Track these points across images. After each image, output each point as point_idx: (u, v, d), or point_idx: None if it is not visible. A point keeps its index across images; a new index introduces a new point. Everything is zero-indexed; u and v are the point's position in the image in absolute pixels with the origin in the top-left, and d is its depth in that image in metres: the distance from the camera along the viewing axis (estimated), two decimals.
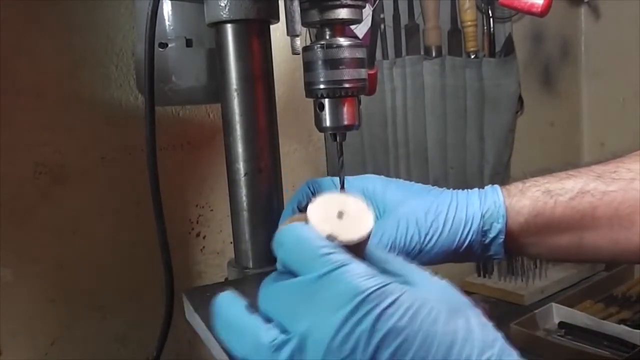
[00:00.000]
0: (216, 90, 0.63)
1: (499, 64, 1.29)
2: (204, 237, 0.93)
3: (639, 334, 1.04)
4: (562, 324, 1.14)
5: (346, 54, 0.54)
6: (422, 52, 1.21)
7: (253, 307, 0.35)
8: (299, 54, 0.54)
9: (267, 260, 0.63)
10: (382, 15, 1.14)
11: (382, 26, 1.14)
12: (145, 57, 0.61)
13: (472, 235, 0.53)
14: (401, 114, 1.18)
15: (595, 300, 1.24)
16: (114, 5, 0.80)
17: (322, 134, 0.99)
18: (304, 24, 0.55)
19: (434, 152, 1.23)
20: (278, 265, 0.36)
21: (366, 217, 0.35)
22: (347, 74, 0.54)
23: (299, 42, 0.53)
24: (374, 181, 0.59)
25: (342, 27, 0.57)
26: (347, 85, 0.55)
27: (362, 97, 0.59)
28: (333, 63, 0.54)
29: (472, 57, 1.27)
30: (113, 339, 0.85)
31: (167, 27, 0.71)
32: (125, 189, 0.83)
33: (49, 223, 0.78)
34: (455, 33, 1.26)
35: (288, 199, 0.63)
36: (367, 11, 0.66)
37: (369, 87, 0.59)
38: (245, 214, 0.62)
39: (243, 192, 0.62)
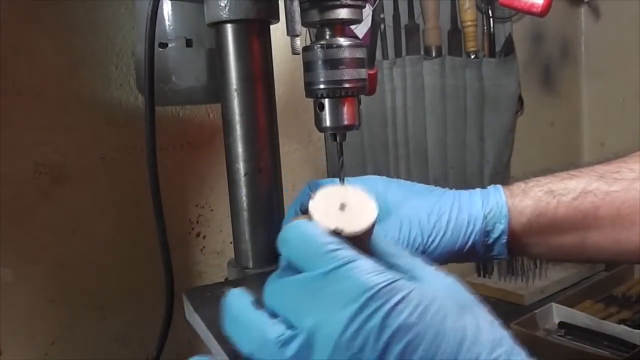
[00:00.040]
0: (216, 90, 0.63)
1: (499, 64, 1.29)
2: (204, 237, 0.93)
3: (639, 334, 1.04)
4: (562, 324, 1.14)
5: (346, 54, 0.54)
6: (422, 52, 1.21)
7: (260, 303, 0.35)
8: (299, 54, 0.54)
9: (267, 260, 0.63)
10: (382, 15, 1.14)
11: (382, 26, 1.14)
12: (145, 57, 0.61)
13: (474, 236, 0.53)
14: (401, 114, 1.18)
15: (595, 300, 1.24)
16: (114, 5, 0.80)
17: (322, 134, 0.98)
18: (304, 24, 0.55)
19: (434, 152, 1.23)
20: (282, 262, 0.36)
21: (369, 207, 0.35)
22: (347, 74, 0.54)
23: (299, 42, 0.53)
24: (375, 182, 0.59)
25: (342, 27, 0.57)
26: (347, 85, 0.55)
27: (362, 97, 0.59)
28: (333, 63, 0.54)
29: (472, 57, 1.27)
30: (113, 339, 0.85)
31: (167, 27, 0.71)
32: (125, 189, 0.83)
33: (49, 223, 0.78)
34: (455, 33, 1.26)
35: (290, 201, 0.63)
36: (367, 11, 0.66)
37: (369, 87, 0.59)
38: (245, 214, 0.62)
39: (243, 192, 0.62)
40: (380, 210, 0.57)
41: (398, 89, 1.17)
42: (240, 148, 0.61)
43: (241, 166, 0.61)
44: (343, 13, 0.55)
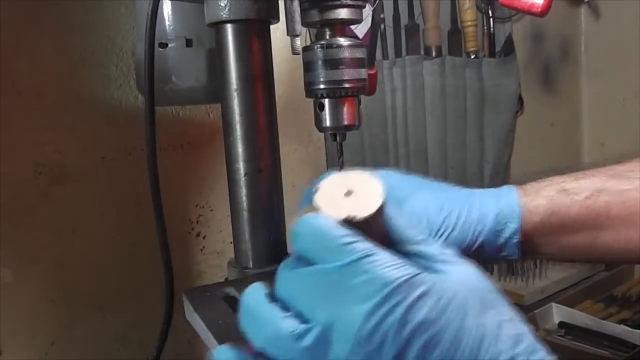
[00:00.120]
0: (216, 90, 0.63)
1: (499, 64, 1.29)
2: (204, 237, 0.93)
3: (639, 334, 1.04)
4: (562, 324, 1.14)
5: (346, 54, 0.54)
6: (422, 52, 1.21)
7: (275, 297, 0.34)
8: (299, 54, 0.54)
9: (267, 260, 0.63)
10: (382, 15, 1.14)
11: (382, 26, 1.14)
12: (145, 57, 0.61)
13: (484, 235, 0.52)
14: (401, 114, 1.18)
15: (595, 300, 1.24)
16: (114, 5, 0.80)
17: (322, 134, 0.98)
18: (304, 24, 0.55)
19: (434, 152, 1.23)
20: (293, 254, 0.35)
21: (375, 188, 0.34)
22: (347, 74, 0.54)
23: (299, 42, 0.53)
24: (387, 176, 0.56)
25: (342, 27, 0.57)
26: (347, 85, 0.55)
27: (362, 97, 0.59)
28: (333, 63, 0.54)
29: (472, 57, 1.27)
30: (113, 339, 0.85)
31: (167, 27, 0.71)
32: (125, 189, 0.83)
33: (49, 223, 0.78)
34: (455, 33, 1.26)
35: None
36: (367, 11, 0.66)
37: (369, 87, 0.59)
38: (245, 214, 0.62)
39: (243, 192, 0.62)
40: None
41: (398, 89, 1.17)
42: (240, 148, 0.61)
43: (241, 166, 0.61)
44: (343, 13, 0.55)
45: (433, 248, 0.34)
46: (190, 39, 0.72)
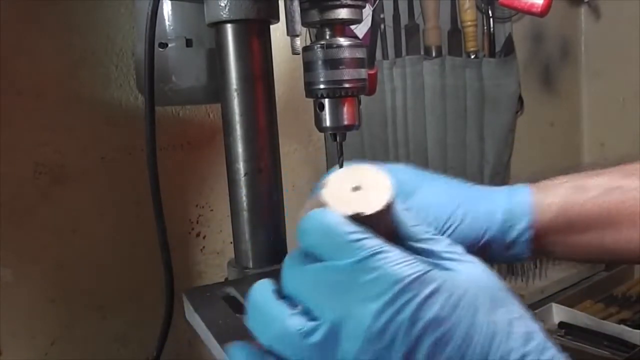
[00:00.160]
0: (216, 90, 0.63)
1: (499, 64, 1.29)
2: (204, 237, 0.93)
3: (639, 334, 1.04)
4: (562, 324, 1.14)
5: (346, 54, 0.54)
6: (422, 52, 1.21)
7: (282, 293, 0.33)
8: (299, 54, 0.54)
9: (267, 260, 0.63)
10: (382, 15, 1.14)
11: (382, 26, 1.14)
12: (145, 57, 0.62)
13: (491, 232, 0.50)
14: (401, 114, 1.18)
15: (595, 300, 1.24)
16: (114, 5, 0.80)
17: (322, 134, 0.98)
18: (304, 24, 0.55)
19: (434, 152, 1.23)
20: (299, 249, 0.34)
21: (383, 183, 0.33)
22: (347, 74, 0.54)
23: (299, 42, 0.53)
24: (397, 171, 0.54)
25: (342, 27, 0.57)
26: (347, 85, 0.55)
27: (362, 97, 0.58)
28: (333, 63, 0.54)
29: (472, 57, 1.27)
30: (113, 339, 0.85)
31: (167, 27, 0.71)
32: (125, 189, 0.83)
33: (49, 223, 0.78)
34: (455, 33, 1.26)
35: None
36: (367, 11, 0.66)
37: (369, 87, 0.59)
38: (245, 214, 0.62)
39: (243, 192, 0.62)
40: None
41: (398, 89, 1.17)
42: (240, 148, 0.61)
43: (241, 166, 0.61)
44: (343, 13, 0.55)
45: (440, 245, 0.34)
46: (190, 39, 0.72)
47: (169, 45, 0.71)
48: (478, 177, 1.30)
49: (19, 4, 0.73)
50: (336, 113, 0.56)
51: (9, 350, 0.76)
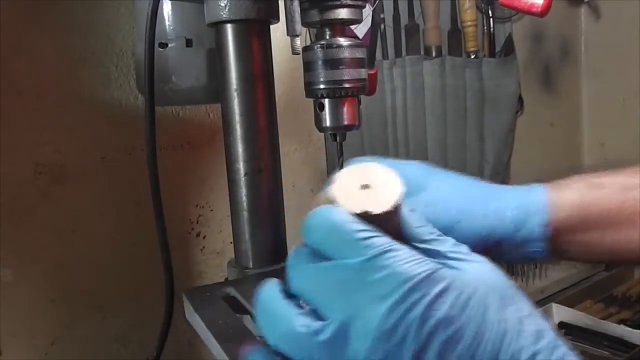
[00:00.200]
0: (216, 90, 0.63)
1: (499, 64, 1.29)
2: (204, 237, 0.93)
3: (639, 334, 1.04)
4: (562, 324, 1.14)
5: (346, 54, 0.54)
6: (422, 52, 1.21)
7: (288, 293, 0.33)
8: (299, 54, 0.54)
9: (267, 260, 0.63)
10: (382, 15, 1.14)
11: (382, 26, 1.14)
12: (145, 57, 0.62)
13: (501, 229, 0.49)
14: (401, 114, 1.18)
15: (595, 300, 1.24)
16: (114, 5, 0.80)
17: (322, 134, 0.98)
18: (304, 24, 0.55)
19: (434, 152, 1.23)
20: (305, 247, 0.34)
21: (393, 183, 0.33)
22: (347, 74, 0.54)
23: (299, 42, 0.53)
24: (405, 167, 0.53)
25: (342, 27, 0.57)
26: (347, 85, 0.55)
27: (362, 97, 0.59)
28: (333, 63, 0.54)
29: (472, 57, 1.27)
30: (113, 339, 0.85)
31: (167, 27, 0.71)
32: (125, 189, 0.83)
33: (49, 223, 0.78)
34: (455, 33, 1.26)
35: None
36: (367, 11, 0.66)
37: (369, 87, 0.59)
38: (245, 214, 0.62)
39: (243, 192, 0.62)
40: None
41: (398, 89, 1.17)
42: (240, 148, 0.61)
43: (241, 166, 0.61)
44: (343, 13, 0.55)
45: (445, 246, 0.34)
46: (190, 39, 0.72)
47: (169, 45, 0.71)
48: (478, 177, 1.30)
49: (19, 4, 0.73)
50: (336, 113, 0.56)
51: (9, 350, 0.76)
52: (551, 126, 1.53)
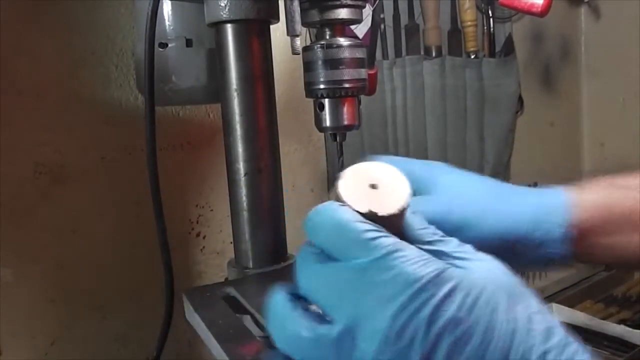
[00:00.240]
0: (216, 90, 0.63)
1: (499, 64, 1.29)
2: (204, 237, 0.93)
3: (639, 334, 1.04)
4: (562, 324, 1.14)
5: (346, 54, 0.54)
6: (422, 52, 1.21)
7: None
8: (299, 54, 0.54)
9: (267, 260, 0.63)
10: (382, 15, 1.14)
11: (382, 26, 1.14)
12: (145, 57, 0.62)
13: (519, 229, 0.47)
14: (401, 114, 1.18)
15: (595, 300, 1.24)
16: (114, 5, 0.80)
17: (322, 134, 0.99)
18: (304, 24, 0.55)
19: (434, 152, 1.23)
20: (311, 245, 0.34)
21: (401, 185, 0.33)
22: (347, 74, 0.54)
23: (299, 42, 0.53)
24: (434, 168, 0.52)
25: (342, 27, 0.57)
26: (347, 85, 0.55)
27: (362, 97, 0.59)
28: (333, 63, 0.54)
29: (472, 57, 1.27)
30: (113, 339, 0.85)
31: (167, 27, 0.71)
32: (125, 189, 0.83)
33: (49, 223, 0.78)
34: (455, 33, 1.26)
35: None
36: (367, 11, 0.66)
37: (369, 87, 0.59)
38: (245, 214, 0.62)
39: (243, 192, 0.62)
40: (423, 188, 0.49)
41: (398, 89, 1.17)
42: (240, 148, 0.61)
43: (241, 166, 0.61)
44: (343, 13, 0.55)
45: (449, 246, 0.34)
46: (190, 39, 0.72)
47: (169, 45, 0.71)
48: None
49: (19, 4, 0.73)
50: (336, 113, 0.56)
51: (9, 350, 0.76)
52: (551, 126, 1.53)
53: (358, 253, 0.30)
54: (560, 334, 0.30)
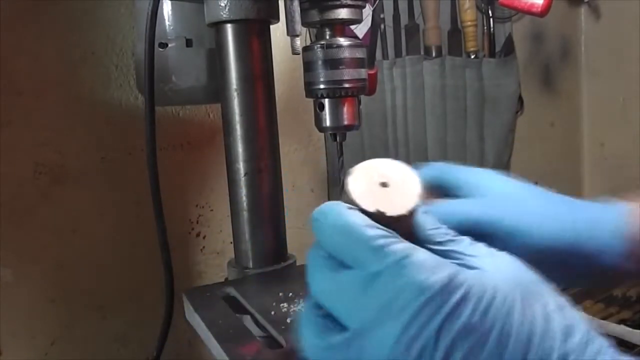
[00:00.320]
0: (216, 90, 0.63)
1: (499, 64, 1.29)
2: (204, 237, 0.93)
3: (639, 334, 1.04)
4: None
5: (346, 54, 0.54)
6: (422, 52, 1.21)
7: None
8: (299, 54, 0.54)
9: (267, 260, 0.63)
10: (382, 15, 1.14)
11: (382, 26, 1.14)
12: (145, 57, 0.62)
13: (568, 238, 0.44)
14: (401, 114, 1.18)
15: (595, 300, 1.24)
16: (114, 5, 0.80)
17: (322, 134, 0.98)
18: (304, 24, 0.55)
19: (434, 152, 1.23)
20: (323, 252, 0.33)
21: (412, 184, 0.32)
22: (347, 74, 0.54)
23: (299, 42, 0.53)
24: (483, 174, 0.51)
25: (342, 27, 0.57)
26: (347, 85, 0.55)
27: (362, 97, 0.59)
28: (333, 63, 0.54)
29: (472, 57, 1.27)
30: (113, 339, 0.85)
31: (167, 27, 0.71)
32: (125, 189, 0.83)
33: (49, 223, 0.78)
34: (455, 33, 1.26)
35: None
36: (367, 11, 0.66)
37: (369, 87, 0.59)
38: (245, 214, 0.62)
39: (243, 192, 0.62)
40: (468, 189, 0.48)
41: (398, 89, 1.17)
42: (240, 148, 0.61)
43: (241, 166, 0.61)
44: (343, 13, 0.55)
45: (461, 246, 0.33)
46: (190, 39, 0.72)
47: (169, 45, 0.71)
48: None
49: (19, 4, 0.73)
50: (336, 113, 0.56)
51: (9, 350, 0.76)
52: (551, 126, 1.53)
53: (367, 261, 0.30)
54: (581, 331, 0.29)
